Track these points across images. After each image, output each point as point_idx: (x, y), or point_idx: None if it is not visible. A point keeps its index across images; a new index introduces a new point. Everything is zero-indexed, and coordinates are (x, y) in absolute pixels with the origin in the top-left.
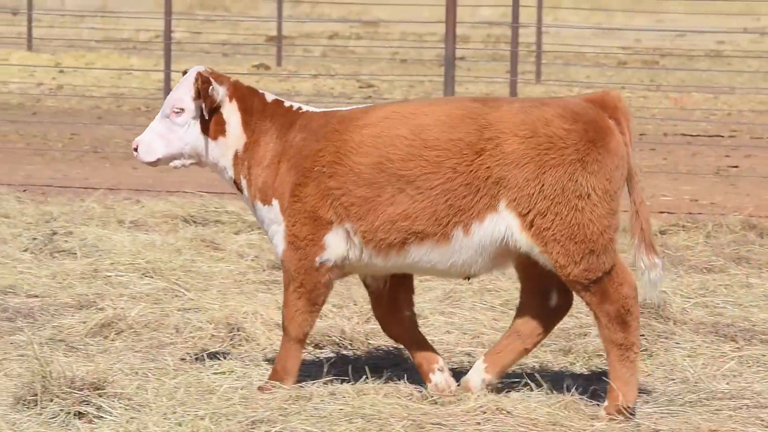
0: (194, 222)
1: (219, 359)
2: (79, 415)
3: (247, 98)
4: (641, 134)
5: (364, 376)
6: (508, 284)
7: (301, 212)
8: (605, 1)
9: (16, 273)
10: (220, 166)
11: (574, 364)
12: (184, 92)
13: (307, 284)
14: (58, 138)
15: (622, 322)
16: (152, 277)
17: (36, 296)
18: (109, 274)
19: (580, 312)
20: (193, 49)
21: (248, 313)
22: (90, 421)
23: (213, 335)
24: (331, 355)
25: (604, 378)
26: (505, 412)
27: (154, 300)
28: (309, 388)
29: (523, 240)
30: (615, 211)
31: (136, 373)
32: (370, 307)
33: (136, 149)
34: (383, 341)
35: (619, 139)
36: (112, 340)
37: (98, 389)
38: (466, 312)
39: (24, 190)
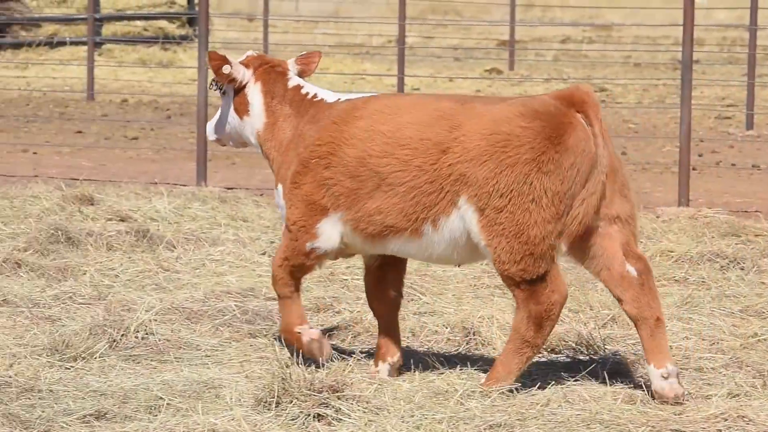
0: None
1: (455, 363)
2: (319, 417)
3: (271, 82)
4: None
5: (601, 381)
6: (747, 290)
7: (297, 198)
8: None
9: (255, 276)
10: (252, 144)
11: None
12: None
13: (292, 261)
14: None
15: (539, 323)
16: None
17: (275, 299)
18: (345, 277)
19: None
20: (425, 53)
21: (484, 317)
22: (329, 424)
23: (449, 339)
24: (568, 359)
25: None
26: (746, 420)
27: None
28: (545, 392)
29: (476, 232)
30: (560, 215)
31: (374, 376)
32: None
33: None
34: (620, 346)
35: (581, 135)
36: (350, 343)
37: (337, 392)
38: (705, 318)
39: (261, 194)
